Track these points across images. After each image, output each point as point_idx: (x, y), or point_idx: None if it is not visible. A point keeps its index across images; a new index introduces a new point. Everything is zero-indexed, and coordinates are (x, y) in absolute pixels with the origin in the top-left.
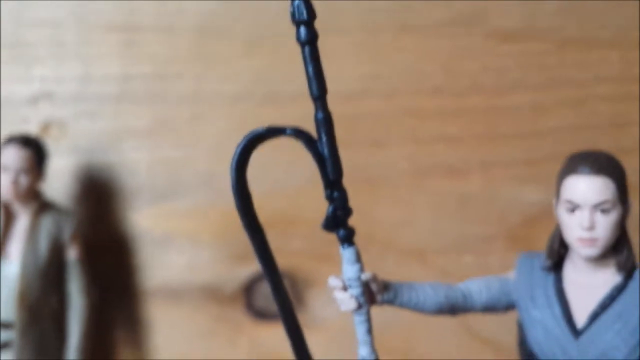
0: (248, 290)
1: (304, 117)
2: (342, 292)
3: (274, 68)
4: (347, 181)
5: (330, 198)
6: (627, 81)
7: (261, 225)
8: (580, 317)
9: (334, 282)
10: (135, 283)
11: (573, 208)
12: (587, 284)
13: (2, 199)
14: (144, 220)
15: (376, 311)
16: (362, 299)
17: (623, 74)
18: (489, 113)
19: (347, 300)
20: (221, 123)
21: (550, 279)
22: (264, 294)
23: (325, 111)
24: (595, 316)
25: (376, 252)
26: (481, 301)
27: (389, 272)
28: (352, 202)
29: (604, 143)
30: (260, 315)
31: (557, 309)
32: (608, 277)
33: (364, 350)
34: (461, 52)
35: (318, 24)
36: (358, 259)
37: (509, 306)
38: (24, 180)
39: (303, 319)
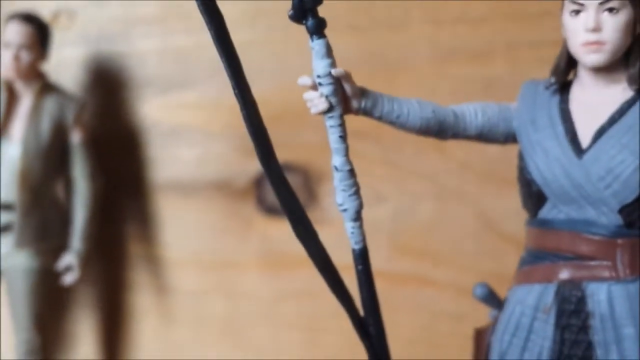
0: (259, 184)
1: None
2: (312, 91)
3: None
4: (363, 67)
5: None
6: None
7: (219, 9)
8: (586, 136)
9: (303, 80)
10: (145, 177)
11: (577, 9)
12: (595, 102)
13: (4, 77)
14: (153, 112)
15: (390, 206)
16: (334, 99)
17: None
18: None
19: (317, 100)
20: (235, 7)
21: (554, 100)
22: None
23: None
24: (602, 132)
25: (393, 143)
26: (476, 124)
27: (407, 163)
28: (372, 88)
29: None
30: (271, 210)
31: (559, 129)
32: (618, 93)
33: (337, 160)
34: None
35: None
36: (329, 53)
37: (509, 136)
38: (25, 57)
39: (315, 215)
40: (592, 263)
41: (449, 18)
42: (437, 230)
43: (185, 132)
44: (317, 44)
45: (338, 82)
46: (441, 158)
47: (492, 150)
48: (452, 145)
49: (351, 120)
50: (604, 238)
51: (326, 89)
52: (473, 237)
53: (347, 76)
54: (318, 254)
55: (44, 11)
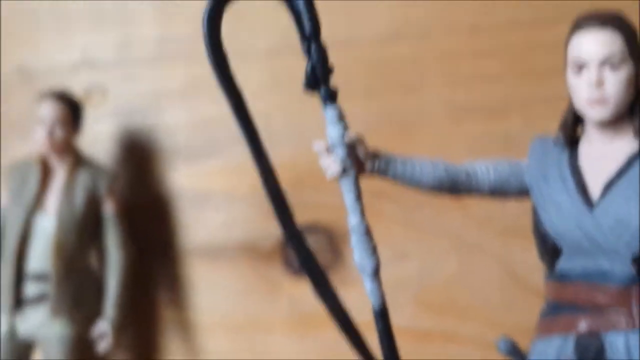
0: (285, 246)
1: (337, 67)
2: (326, 156)
3: None
4: (381, 129)
5: (308, 53)
6: None
7: (237, 83)
8: (596, 189)
9: (317, 146)
10: (175, 242)
11: (580, 67)
12: (603, 155)
13: (38, 153)
14: (181, 179)
15: (413, 264)
16: (347, 163)
17: None
18: (528, 49)
19: (331, 164)
20: (255, 78)
21: (564, 155)
22: None
23: None
24: (610, 185)
25: (413, 204)
26: (489, 181)
27: (428, 221)
28: (389, 149)
29: None
30: (298, 271)
31: (570, 183)
32: (625, 146)
33: (353, 220)
34: None
35: None
36: (341, 118)
37: (521, 191)
38: (59, 133)
39: (341, 275)
40: (609, 313)
41: (463, 77)
42: (462, 286)
43: (213, 198)
44: (330, 111)
45: (351, 146)
46: (462, 214)
47: (512, 204)
48: (472, 201)
49: (371, 181)
50: (619, 288)
51: (340, 153)
52: (498, 291)
53: (360, 140)
54: (339, 312)
55: (77, 88)
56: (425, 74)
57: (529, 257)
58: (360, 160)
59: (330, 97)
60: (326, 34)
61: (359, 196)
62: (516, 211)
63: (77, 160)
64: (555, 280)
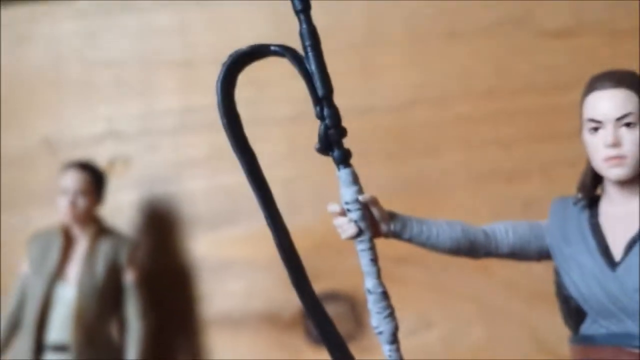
0: (306, 315)
1: (356, 133)
2: (341, 217)
3: None
4: (402, 194)
5: (320, 116)
6: None
7: (250, 146)
8: (617, 249)
9: (332, 207)
10: (195, 311)
11: (596, 127)
12: (624, 214)
13: (61, 222)
14: (202, 248)
15: (439, 329)
16: (362, 224)
17: None
18: (546, 112)
19: (346, 226)
20: (276, 146)
21: (584, 215)
22: None
23: (310, 25)
24: (632, 244)
25: (437, 266)
26: (507, 242)
27: (453, 286)
28: (410, 213)
29: None
30: (319, 340)
31: (591, 243)
32: None
33: (369, 283)
34: (511, 53)
35: (364, 37)
36: (355, 180)
37: (542, 252)
38: (81, 203)
39: (363, 343)
40: None
41: (482, 141)
42: (488, 352)
43: (234, 266)
44: (344, 173)
45: (366, 208)
46: (487, 279)
47: (538, 268)
48: (497, 265)
49: (395, 246)
50: None
51: (354, 215)
52: (524, 357)
53: (374, 201)
54: None
55: (100, 158)
56: (444, 139)
57: (555, 322)
58: (375, 222)
59: (344, 159)
60: (346, 101)
61: (375, 259)
62: (543, 275)
63: (99, 230)
64: (580, 344)
